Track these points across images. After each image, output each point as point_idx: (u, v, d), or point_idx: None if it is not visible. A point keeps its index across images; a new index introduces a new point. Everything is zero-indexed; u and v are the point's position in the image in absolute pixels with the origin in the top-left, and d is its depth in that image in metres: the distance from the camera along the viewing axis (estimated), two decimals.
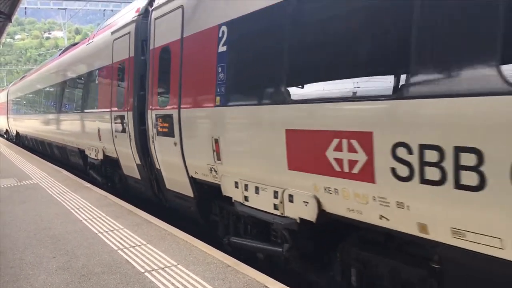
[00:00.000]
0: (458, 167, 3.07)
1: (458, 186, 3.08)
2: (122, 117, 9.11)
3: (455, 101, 3.06)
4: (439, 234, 3.34)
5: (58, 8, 42.04)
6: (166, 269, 5.14)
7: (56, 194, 9.99)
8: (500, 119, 2.81)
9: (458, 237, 3.20)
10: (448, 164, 3.12)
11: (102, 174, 11.47)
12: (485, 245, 3.03)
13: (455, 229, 3.21)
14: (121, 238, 6.41)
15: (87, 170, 12.63)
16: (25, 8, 36.96)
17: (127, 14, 9.56)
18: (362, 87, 3.86)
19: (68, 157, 15.20)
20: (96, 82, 11.22)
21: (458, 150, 3.05)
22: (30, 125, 22.16)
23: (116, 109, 9.49)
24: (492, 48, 2.90)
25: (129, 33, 8.92)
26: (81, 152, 12.89)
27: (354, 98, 3.91)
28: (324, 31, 4.25)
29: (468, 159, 2.99)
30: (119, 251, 5.81)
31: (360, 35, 3.88)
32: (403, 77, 3.45)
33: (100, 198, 9.50)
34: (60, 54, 17.51)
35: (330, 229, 4.63)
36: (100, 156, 10.90)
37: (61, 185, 11.38)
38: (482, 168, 2.92)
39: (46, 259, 5.62)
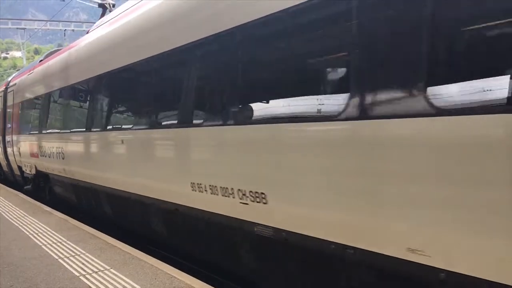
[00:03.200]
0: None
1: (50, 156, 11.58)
2: None
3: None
4: (50, 171, 11.88)
5: (17, 28, 41.10)
6: None
7: (13, 219, 9.59)
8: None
9: (56, 172, 11.37)
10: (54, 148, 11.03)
11: None
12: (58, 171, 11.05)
13: (55, 170, 11.39)
14: (83, 264, 6.18)
15: None
16: None
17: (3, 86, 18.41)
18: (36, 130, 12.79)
19: None
20: None
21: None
22: None
23: None
24: None
25: (1, 96, 18.13)
26: None
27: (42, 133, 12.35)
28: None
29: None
30: (81, 277, 5.60)
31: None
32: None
33: (60, 222, 9.18)
34: None
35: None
36: None
37: (18, 209, 10.95)
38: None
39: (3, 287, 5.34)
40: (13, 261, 6.41)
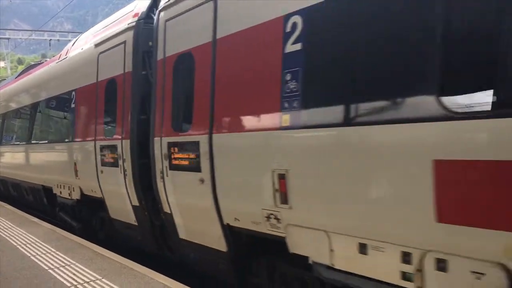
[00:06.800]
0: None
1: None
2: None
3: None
4: None
5: (1, 38, 40.76)
6: None
7: (0, 230, 9.46)
8: None
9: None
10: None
11: None
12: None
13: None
14: (74, 274, 6.13)
15: None
16: None
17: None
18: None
19: None
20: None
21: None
22: None
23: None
24: None
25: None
26: None
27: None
28: None
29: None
30: None
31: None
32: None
33: (48, 232, 9.09)
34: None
35: None
36: None
37: (4, 220, 10.80)
38: None
39: None
40: (2, 272, 6.33)
